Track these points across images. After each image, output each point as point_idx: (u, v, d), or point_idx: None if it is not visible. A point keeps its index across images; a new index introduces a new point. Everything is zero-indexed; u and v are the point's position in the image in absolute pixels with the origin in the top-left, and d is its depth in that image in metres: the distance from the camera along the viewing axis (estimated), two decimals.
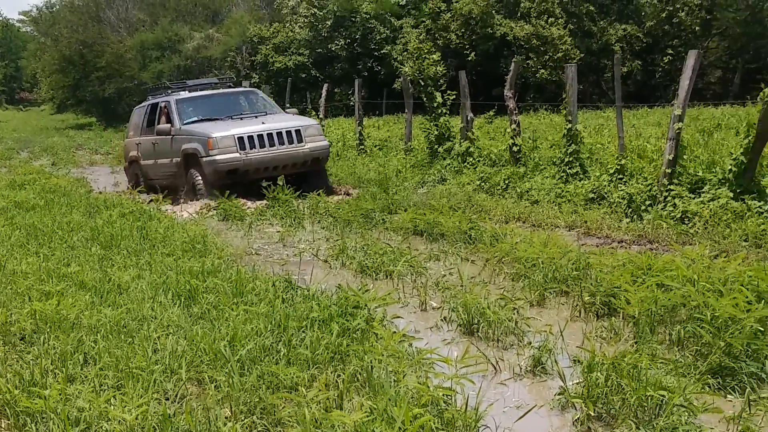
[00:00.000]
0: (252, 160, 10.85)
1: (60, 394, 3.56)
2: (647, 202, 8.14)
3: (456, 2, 27.19)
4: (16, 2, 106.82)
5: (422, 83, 12.87)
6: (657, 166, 8.59)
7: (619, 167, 8.96)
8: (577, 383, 3.86)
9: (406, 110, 14.73)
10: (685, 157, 8.35)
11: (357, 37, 30.03)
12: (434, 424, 3.29)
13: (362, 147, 15.79)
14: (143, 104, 13.61)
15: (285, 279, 5.69)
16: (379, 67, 29.74)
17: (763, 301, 4.35)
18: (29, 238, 7.44)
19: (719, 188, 7.65)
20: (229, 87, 13.70)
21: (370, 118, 22.03)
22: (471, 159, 11.74)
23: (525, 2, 27.47)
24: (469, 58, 26.14)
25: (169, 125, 11.80)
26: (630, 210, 8.21)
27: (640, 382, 3.60)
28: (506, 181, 10.31)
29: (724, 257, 5.61)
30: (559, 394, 3.81)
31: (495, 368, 4.27)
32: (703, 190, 7.80)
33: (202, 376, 3.93)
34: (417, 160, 13.15)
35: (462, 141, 12.08)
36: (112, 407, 3.46)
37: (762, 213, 7.11)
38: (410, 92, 14.46)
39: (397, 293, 5.74)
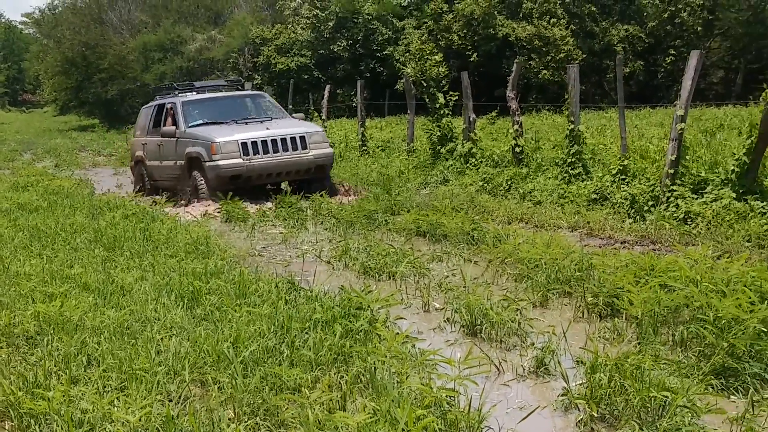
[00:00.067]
0: (255, 166, 10.80)
1: (63, 396, 3.56)
2: (650, 203, 8.14)
3: (458, 3, 27.19)
4: (19, 4, 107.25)
5: (424, 84, 12.89)
6: (660, 166, 8.59)
7: (621, 168, 8.95)
8: (580, 384, 3.86)
9: (409, 111, 14.72)
10: (687, 157, 8.35)
11: (359, 38, 30.04)
12: (437, 425, 3.28)
13: (365, 148, 15.78)
14: (150, 104, 13.57)
15: (288, 280, 5.70)
16: (382, 68, 29.74)
17: (766, 302, 4.33)
18: (32, 240, 7.45)
19: (722, 189, 7.64)
20: (237, 90, 13.67)
21: (373, 119, 22.01)
22: (473, 160, 11.74)
23: (527, 3, 27.46)
24: (472, 59, 26.14)
25: (174, 128, 11.76)
26: (633, 211, 8.20)
27: (643, 383, 3.59)
28: (509, 182, 10.31)
29: (727, 258, 5.61)
30: (562, 395, 3.80)
31: (498, 369, 4.27)
32: (706, 190, 7.80)
33: (206, 377, 3.93)
34: (419, 161, 13.16)
35: (464, 142, 12.09)
36: (115, 409, 3.47)
37: (765, 213, 7.10)
38: (412, 93, 14.45)
39: (400, 294, 5.73)
